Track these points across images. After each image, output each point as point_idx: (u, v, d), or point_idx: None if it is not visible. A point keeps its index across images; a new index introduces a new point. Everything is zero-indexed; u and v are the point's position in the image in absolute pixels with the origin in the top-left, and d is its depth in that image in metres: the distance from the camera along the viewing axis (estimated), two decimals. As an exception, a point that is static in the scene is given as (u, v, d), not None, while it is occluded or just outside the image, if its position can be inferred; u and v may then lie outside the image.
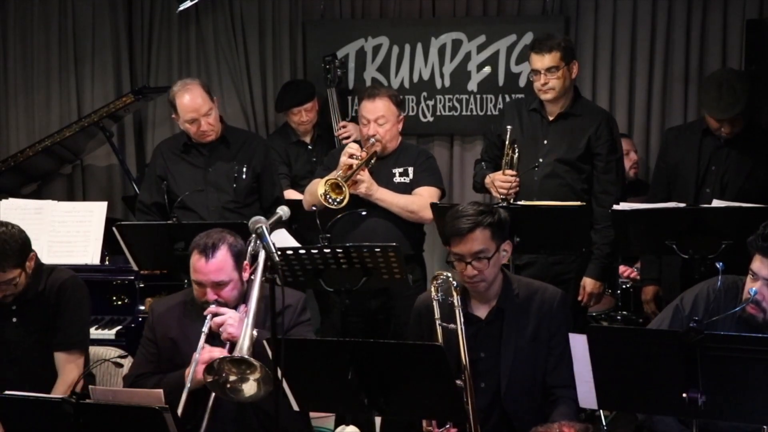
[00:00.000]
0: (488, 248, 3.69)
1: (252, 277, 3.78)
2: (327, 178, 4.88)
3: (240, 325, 3.73)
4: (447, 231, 3.74)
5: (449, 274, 3.72)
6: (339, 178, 4.83)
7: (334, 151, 5.35)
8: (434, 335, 3.72)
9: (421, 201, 4.96)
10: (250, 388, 3.53)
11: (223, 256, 3.81)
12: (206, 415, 3.73)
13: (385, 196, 4.96)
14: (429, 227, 5.06)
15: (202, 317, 3.82)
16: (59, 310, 4.12)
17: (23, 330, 4.11)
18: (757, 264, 3.46)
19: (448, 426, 3.61)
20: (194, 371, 3.66)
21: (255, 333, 3.55)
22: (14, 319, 4.11)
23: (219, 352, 3.68)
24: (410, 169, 5.06)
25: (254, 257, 3.80)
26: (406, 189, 5.02)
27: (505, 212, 3.84)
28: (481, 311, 3.81)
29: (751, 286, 3.46)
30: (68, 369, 4.10)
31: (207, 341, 3.74)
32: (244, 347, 3.54)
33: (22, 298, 4.09)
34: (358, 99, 5.39)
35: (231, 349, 3.74)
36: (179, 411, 3.55)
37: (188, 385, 3.65)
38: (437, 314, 3.71)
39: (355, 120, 6.30)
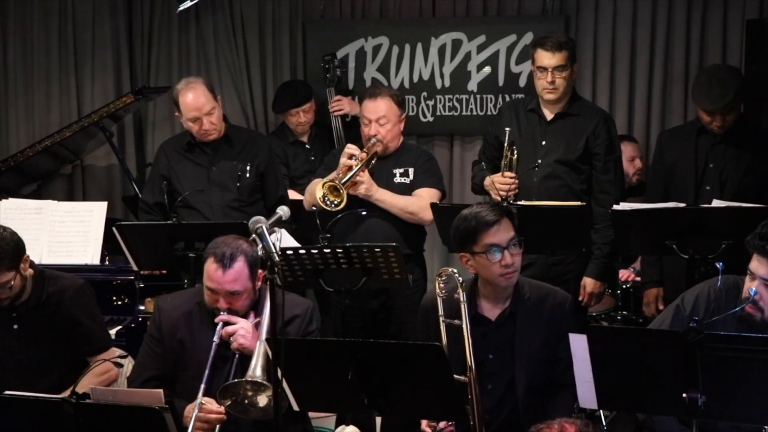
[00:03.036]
0: (516, 234, 3.72)
1: (264, 286, 3.76)
2: (325, 180, 4.87)
3: (252, 336, 3.72)
4: (473, 228, 3.68)
5: (455, 270, 3.70)
6: (337, 181, 4.82)
7: (335, 150, 5.35)
8: (440, 333, 3.70)
9: (420, 202, 4.95)
10: (263, 402, 3.56)
11: (240, 266, 3.75)
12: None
13: (384, 197, 4.95)
14: (430, 227, 5.05)
15: (212, 323, 3.80)
16: (76, 320, 4.12)
17: (24, 337, 4.10)
18: (755, 263, 3.47)
19: (447, 423, 3.61)
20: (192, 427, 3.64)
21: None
22: (15, 326, 4.09)
23: (215, 416, 3.65)
24: (411, 170, 5.05)
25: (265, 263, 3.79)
26: (406, 190, 5.01)
27: None
28: (492, 313, 3.79)
29: (750, 286, 3.47)
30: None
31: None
32: (257, 369, 3.56)
33: (23, 306, 4.08)
34: (359, 99, 5.39)
35: (241, 358, 3.73)
36: None
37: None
38: (441, 311, 3.69)
39: (348, 93, 6.30)
